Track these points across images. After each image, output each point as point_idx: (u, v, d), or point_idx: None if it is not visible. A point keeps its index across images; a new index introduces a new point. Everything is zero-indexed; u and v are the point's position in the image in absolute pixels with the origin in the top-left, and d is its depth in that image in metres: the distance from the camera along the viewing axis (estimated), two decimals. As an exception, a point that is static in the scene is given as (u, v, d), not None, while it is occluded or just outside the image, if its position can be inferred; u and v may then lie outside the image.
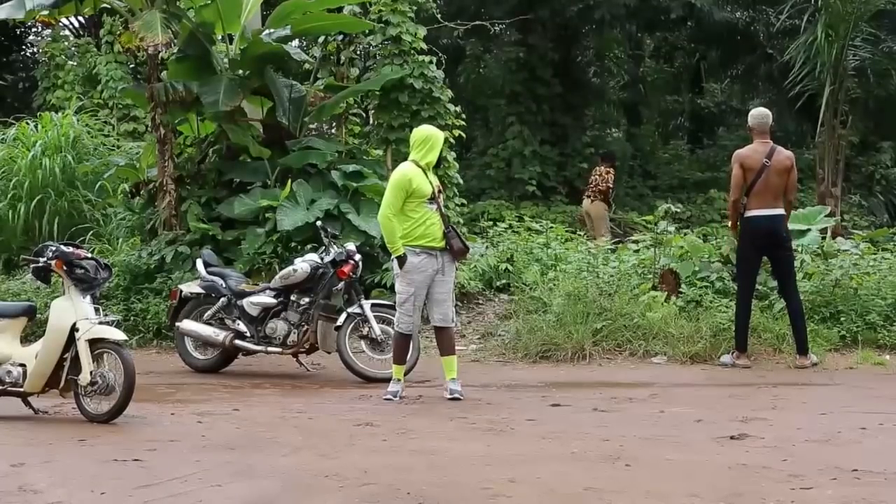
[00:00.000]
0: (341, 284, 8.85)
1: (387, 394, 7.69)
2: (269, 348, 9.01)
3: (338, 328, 8.67)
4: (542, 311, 10.08)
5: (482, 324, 10.61)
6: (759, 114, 9.17)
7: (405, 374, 8.01)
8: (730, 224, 9.41)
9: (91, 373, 6.59)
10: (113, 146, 14.89)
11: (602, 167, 16.13)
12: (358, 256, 8.95)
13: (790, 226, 12.14)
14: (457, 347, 8.09)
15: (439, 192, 7.73)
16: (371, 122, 13.94)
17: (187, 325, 9.21)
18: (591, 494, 4.83)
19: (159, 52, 11.08)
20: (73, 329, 6.67)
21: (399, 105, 12.58)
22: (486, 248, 11.87)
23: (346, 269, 8.77)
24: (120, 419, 6.64)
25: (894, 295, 9.93)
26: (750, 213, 8.93)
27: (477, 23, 19.92)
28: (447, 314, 7.69)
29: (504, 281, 11.25)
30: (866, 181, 20.31)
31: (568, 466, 5.43)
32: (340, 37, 12.67)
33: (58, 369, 6.77)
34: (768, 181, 8.84)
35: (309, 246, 10.23)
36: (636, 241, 11.95)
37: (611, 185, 15.85)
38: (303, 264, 8.94)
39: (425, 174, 7.60)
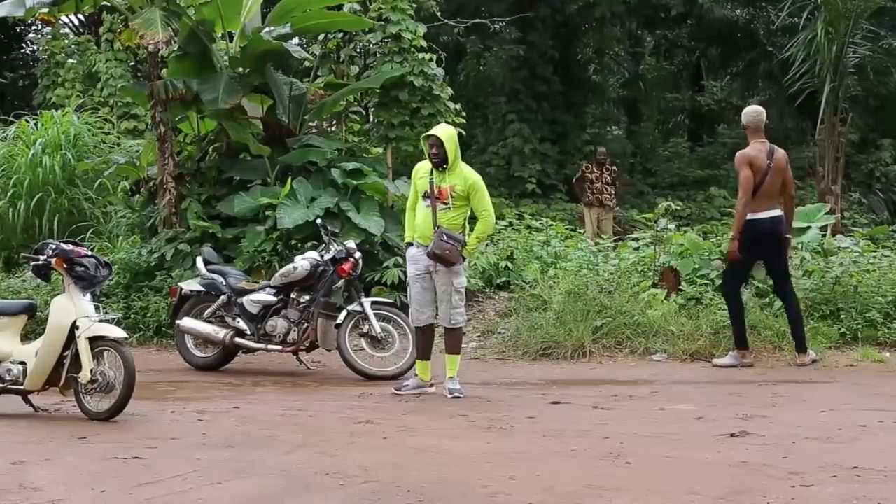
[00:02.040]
0: (341, 282, 8.85)
1: (401, 386, 7.84)
2: (270, 346, 9.00)
3: (338, 326, 8.66)
4: (543, 309, 10.09)
5: (482, 321, 10.62)
6: (755, 111, 9.03)
7: (404, 373, 8.07)
8: (736, 229, 8.80)
9: (91, 371, 6.59)
10: (113, 144, 14.87)
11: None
12: (358, 254, 8.94)
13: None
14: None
15: (452, 193, 7.66)
16: (371, 119, 13.94)
17: (187, 322, 9.21)
18: (592, 492, 4.83)
19: (159, 49, 11.07)
20: (74, 327, 6.66)
21: (399, 103, 12.56)
22: (486, 245, 11.88)
23: (347, 266, 8.76)
24: (120, 417, 6.64)
25: (894, 292, 9.93)
26: (755, 216, 8.70)
27: (477, 20, 19.95)
28: (444, 314, 7.75)
29: (504, 279, 11.25)
30: (866, 178, 20.32)
31: (568, 464, 5.43)
32: (340, 34, 12.67)
33: (58, 367, 6.77)
34: (772, 182, 8.72)
35: (309, 244, 10.23)
36: (636, 239, 11.95)
37: (584, 183, 15.70)
38: (303, 262, 8.93)
39: (432, 172, 7.71)
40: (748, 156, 8.72)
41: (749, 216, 8.70)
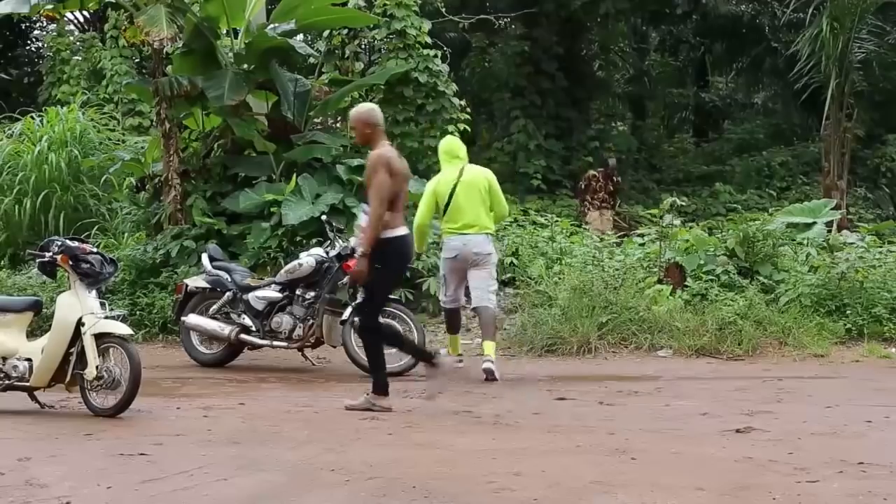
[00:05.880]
0: (346, 278, 8.84)
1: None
2: (275, 342, 9.01)
3: (343, 322, 8.67)
4: (548, 305, 10.08)
5: (487, 318, 10.60)
6: (377, 108, 7.17)
7: (409, 370, 8.17)
8: (369, 243, 6.78)
9: (97, 367, 6.60)
10: (118, 141, 14.91)
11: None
12: (363, 250, 8.94)
13: (790, 220, 12.15)
14: (462, 342, 8.30)
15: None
16: (376, 115, 13.95)
17: (193, 319, 9.22)
18: (597, 487, 4.83)
19: (164, 46, 11.09)
20: (79, 324, 6.67)
21: (404, 99, 12.58)
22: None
23: (352, 263, 8.76)
24: (126, 413, 6.65)
25: (900, 288, 9.93)
26: (403, 233, 7.03)
27: (482, 16, 19.95)
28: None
29: (509, 275, 11.24)
30: (872, 174, 20.30)
31: (573, 460, 5.43)
32: (345, 31, 12.67)
33: (64, 364, 6.78)
34: (405, 193, 7.18)
35: (314, 240, 10.23)
36: (641, 235, 11.94)
37: (587, 194, 16.12)
38: (308, 258, 8.94)
39: None
40: (387, 157, 6.85)
41: (397, 232, 6.92)
